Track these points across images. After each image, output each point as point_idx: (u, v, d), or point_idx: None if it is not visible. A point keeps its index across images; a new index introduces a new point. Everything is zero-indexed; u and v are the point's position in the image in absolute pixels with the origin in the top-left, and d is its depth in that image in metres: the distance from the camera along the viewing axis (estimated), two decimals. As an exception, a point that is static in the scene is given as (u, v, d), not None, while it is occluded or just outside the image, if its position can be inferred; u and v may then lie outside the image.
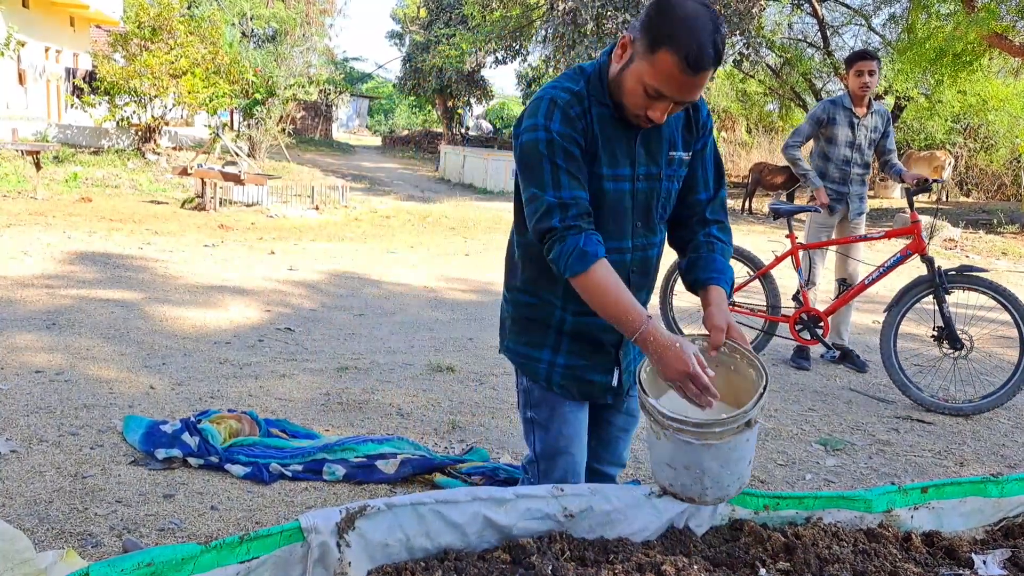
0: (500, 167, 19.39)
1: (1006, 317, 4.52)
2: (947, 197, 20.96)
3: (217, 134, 15.29)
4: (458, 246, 10.18)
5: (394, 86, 35.91)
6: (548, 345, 2.08)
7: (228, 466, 3.13)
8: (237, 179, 11.46)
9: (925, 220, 4.59)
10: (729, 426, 1.76)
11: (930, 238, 5.19)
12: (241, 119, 21.41)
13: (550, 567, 1.77)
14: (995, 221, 15.04)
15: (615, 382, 2.12)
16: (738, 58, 20.03)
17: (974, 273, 4.50)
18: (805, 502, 2.00)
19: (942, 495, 2.00)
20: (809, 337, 5.08)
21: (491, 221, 12.50)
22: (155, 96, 16.05)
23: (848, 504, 1.96)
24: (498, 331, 2.26)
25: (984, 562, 1.79)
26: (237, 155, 14.04)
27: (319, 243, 9.68)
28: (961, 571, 1.74)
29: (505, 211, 13.68)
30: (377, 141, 40.03)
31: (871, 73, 5.06)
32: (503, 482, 3.06)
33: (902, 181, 4.98)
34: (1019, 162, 21.35)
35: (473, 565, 1.81)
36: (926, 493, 1.99)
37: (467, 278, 8.07)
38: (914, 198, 4.87)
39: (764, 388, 1.80)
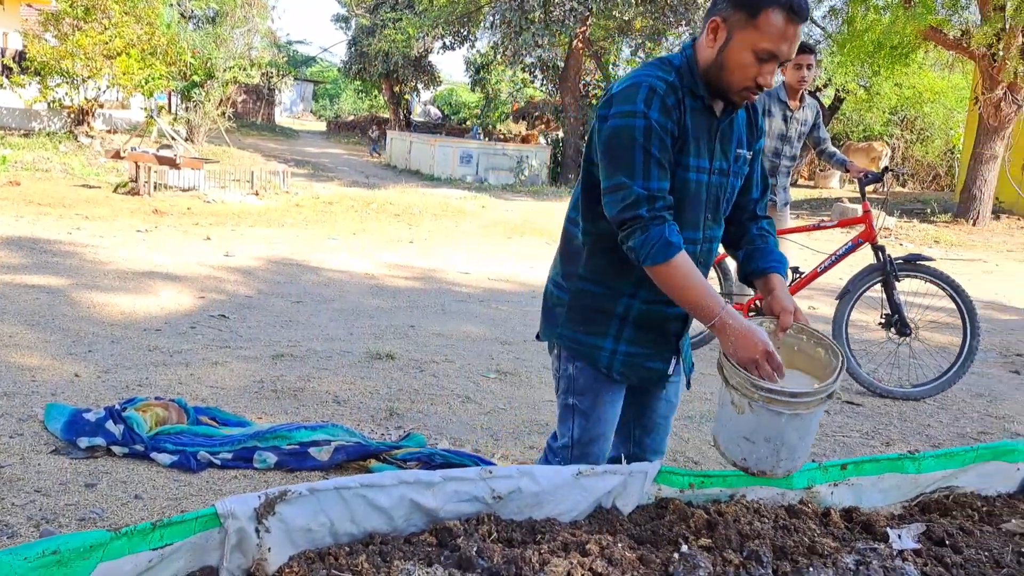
0: (447, 153, 19.27)
1: (948, 304, 4.65)
2: (885, 187, 21.51)
3: (152, 117, 14.87)
4: (402, 233, 10.10)
5: (339, 70, 35.38)
6: (611, 334, 2.08)
7: (154, 455, 3.05)
8: (172, 163, 11.16)
9: (874, 210, 4.73)
10: (817, 396, 1.84)
11: (880, 228, 5.30)
12: (179, 102, 20.85)
13: (475, 548, 1.75)
14: (929, 210, 15.50)
15: (671, 370, 2.15)
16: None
17: (923, 262, 4.63)
18: (729, 480, 2.03)
19: (861, 472, 2.04)
20: None
21: (437, 208, 12.42)
22: (88, 77, 15.52)
23: (770, 481, 1.99)
24: (542, 317, 2.23)
25: (899, 536, 1.84)
26: (173, 139, 13.67)
27: (258, 229, 9.50)
28: (877, 545, 1.78)
29: (453, 198, 13.62)
30: (322, 126, 39.42)
31: (809, 67, 5.13)
32: (440, 467, 3.04)
33: (847, 171, 5.06)
34: (953, 153, 22.04)
35: (399, 549, 1.79)
36: (845, 470, 2.03)
37: (410, 265, 8.01)
38: (865, 188, 4.95)
39: (841, 364, 1.90)
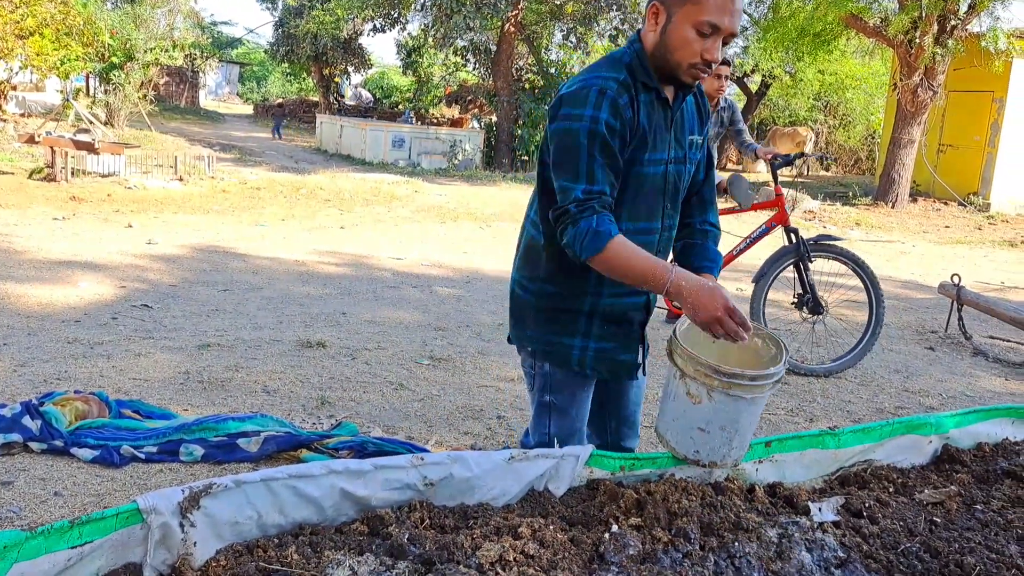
0: (379, 137, 19.01)
1: (858, 283, 4.83)
2: (808, 171, 22.13)
3: (69, 100, 14.26)
4: (333, 219, 9.94)
5: (266, 52, 34.46)
6: (579, 331, 2.09)
7: (74, 450, 2.95)
8: (91, 148, 10.73)
9: (790, 193, 4.89)
10: (775, 376, 1.87)
11: (792, 210, 5.45)
12: (97, 84, 20.05)
13: (407, 536, 1.75)
14: (851, 193, 16.01)
15: (640, 359, 2.18)
16: (614, 33, 20.37)
17: (832, 242, 4.78)
18: (659, 461, 2.06)
19: (784, 448, 2.10)
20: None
21: (369, 193, 12.26)
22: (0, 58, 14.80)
23: (698, 460, 2.02)
24: (511, 320, 2.22)
25: (819, 509, 1.90)
26: (92, 123, 13.15)
27: (182, 216, 9.23)
28: (799, 519, 1.83)
29: (384, 183, 13.45)
30: (249, 110, 38.44)
31: (726, 77, 5.27)
32: (372, 455, 3.02)
33: (758, 158, 5.19)
34: (874, 138, 22.79)
35: (330, 539, 1.77)
36: (769, 447, 2.09)
37: (342, 251, 7.89)
38: (778, 172, 5.07)
39: (785, 348, 1.95)
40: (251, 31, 47.29)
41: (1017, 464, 2.12)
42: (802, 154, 5.36)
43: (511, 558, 1.65)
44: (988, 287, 8.10)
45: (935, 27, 13.53)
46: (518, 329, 2.19)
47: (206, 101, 38.34)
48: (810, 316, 4.86)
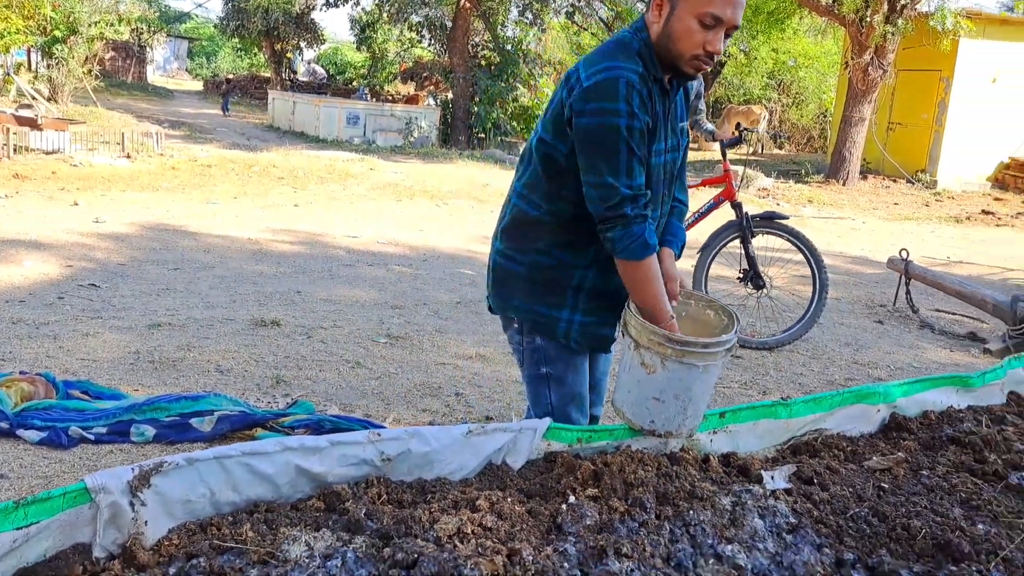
0: (333, 114, 18.73)
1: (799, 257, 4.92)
2: (763, 149, 22.40)
3: (9, 74, 13.76)
4: (287, 197, 9.78)
5: (216, 27, 33.66)
6: (567, 305, 2.11)
7: (21, 432, 2.87)
8: (33, 123, 10.39)
9: (739, 170, 4.96)
10: (727, 344, 1.91)
11: (740, 186, 5.51)
12: (40, 59, 19.37)
13: (364, 511, 1.74)
14: (803, 171, 16.25)
15: (618, 333, 2.20)
16: (571, 10, 20.32)
17: (776, 219, 4.86)
18: (615, 433, 2.08)
19: (737, 419, 2.13)
20: None
21: (324, 170, 12.08)
22: (-68, 29, 14.21)
23: (653, 432, 2.04)
24: (492, 289, 2.21)
25: (772, 477, 1.93)
26: (34, 98, 12.73)
27: (130, 193, 9.00)
28: (752, 487, 1.86)
29: (339, 160, 13.27)
30: (199, 86, 37.56)
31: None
32: (329, 433, 2.99)
33: (715, 140, 5.23)
34: (826, 117, 23.14)
35: (285, 516, 1.75)
36: (723, 418, 2.12)
37: (295, 229, 7.77)
38: (727, 150, 5.12)
39: (737, 318, 2.01)
40: (200, 5, 46.11)
41: (961, 431, 2.18)
42: (748, 129, 5.39)
43: (469, 531, 1.65)
44: (935, 262, 8.31)
45: (885, 6, 13.74)
46: (502, 299, 2.20)
47: (154, 77, 37.35)
48: (754, 291, 4.94)
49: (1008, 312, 5.16)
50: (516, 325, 2.17)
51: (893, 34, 13.77)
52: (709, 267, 4.95)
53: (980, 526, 1.72)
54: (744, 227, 4.83)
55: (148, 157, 11.70)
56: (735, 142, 5.08)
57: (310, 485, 1.86)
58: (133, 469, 1.65)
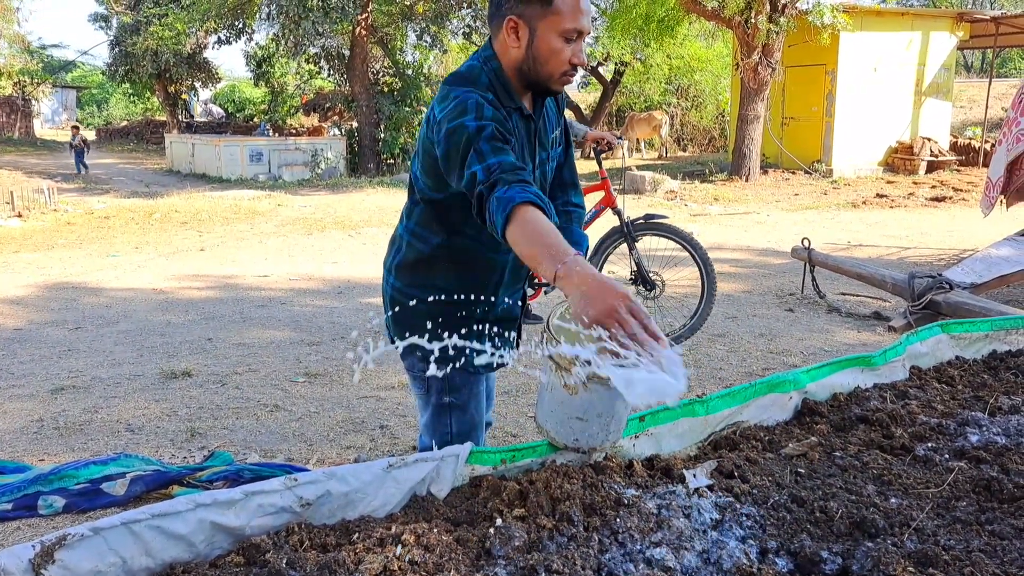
0: (234, 153, 18.34)
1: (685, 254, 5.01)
2: (667, 153, 22.96)
3: None
4: (191, 241, 9.50)
5: (104, 74, 32.60)
6: (473, 335, 2.06)
7: (-88, 520, 2.68)
8: (-88, 189, 9.82)
9: (630, 169, 5.10)
10: None
11: (622, 191, 5.58)
12: (-86, 120, 18.39)
13: (286, 560, 1.68)
14: (707, 171, 16.73)
15: (516, 344, 2.18)
16: (467, 31, 20.47)
17: (656, 220, 4.95)
18: (539, 450, 2.07)
19: (657, 421, 2.15)
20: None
21: (229, 211, 11.80)
22: None
23: (576, 444, 2.04)
24: (393, 324, 2.15)
25: (694, 476, 1.95)
26: (-90, 162, 12.04)
27: (24, 254, 8.59)
28: (675, 487, 1.88)
29: (244, 199, 12.98)
30: (91, 135, 36.29)
31: None
32: (249, 483, 2.89)
33: (585, 140, 5.20)
34: (724, 117, 23.90)
35: (204, 575, 1.68)
36: (643, 421, 2.13)
37: (203, 274, 7.55)
38: (601, 157, 5.10)
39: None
40: (85, 52, 44.59)
41: (868, 409, 2.26)
42: (620, 138, 5.24)
43: (396, 567, 1.62)
44: (837, 247, 8.65)
45: (767, 6, 14.31)
46: (403, 334, 2.14)
47: (42, 130, 35.92)
48: (646, 293, 5.01)
49: (906, 289, 5.39)
50: (419, 354, 2.14)
51: (777, 33, 14.34)
52: None
53: (892, 500, 1.77)
54: (626, 232, 4.90)
55: (41, 214, 11.21)
56: (604, 149, 5.07)
57: (228, 540, 1.79)
58: (34, 546, 1.55)
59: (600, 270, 4.93)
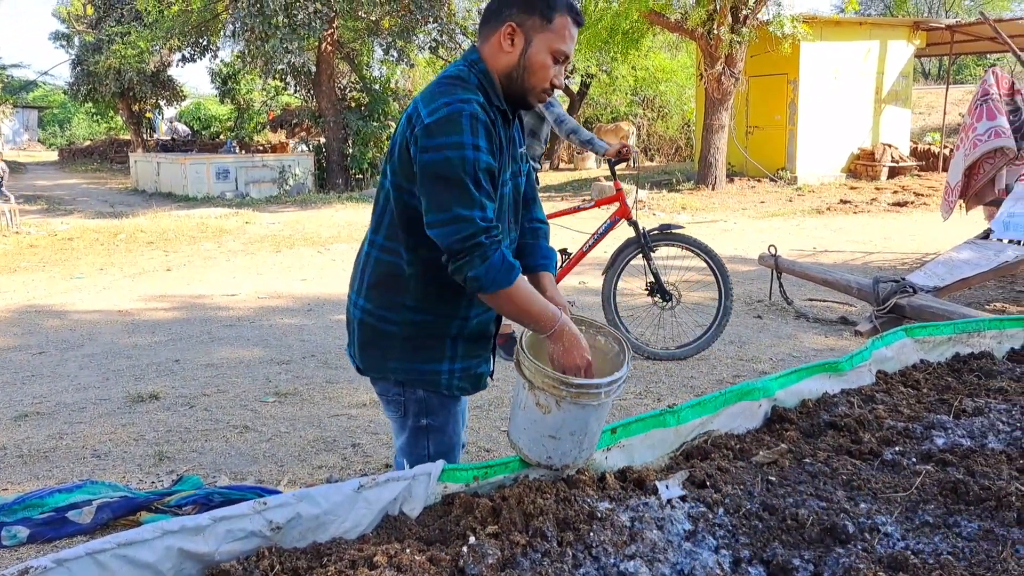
0: (201, 170, 18.17)
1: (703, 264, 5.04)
2: (635, 163, 23.13)
3: None
4: (158, 261, 9.38)
5: (66, 93, 32.15)
6: (447, 356, 2.07)
7: None
8: None
9: (627, 187, 5.05)
10: (620, 382, 1.90)
11: (635, 203, 5.60)
12: None
13: (256, 586, 1.65)
14: (674, 180, 16.87)
15: (492, 367, 2.20)
16: (434, 45, 20.48)
17: (673, 231, 4.96)
18: (511, 466, 2.06)
19: (629, 433, 2.15)
20: None
21: (196, 229, 11.67)
22: None
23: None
24: (361, 350, 2.11)
25: (666, 487, 1.95)
26: None
27: (-15, 278, 8.42)
28: (648, 499, 1.88)
29: (211, 217, 12.84)
30: (54, 156, 35.74)
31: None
32: (219, 507, 2.84)
33: (604, 156, 5.17)
34: (689, 126, 24.15)
35: (172, 604, 1.65)
36: (615, 433, 2.13)
37: (170, 295, 7.45)
38: (615, 168, 5.16)
39: (629, 348, 2.01)
40: (46, 72, 43.94)
41: (836, 415, 2.28)
42: (627, 146, 5.30)
43: (368, 590, 1.60)
44: (803, 253, 8.76)
45: (729, 18, 14.51)
46: (374, 359, 2.11)
47: (4, 151, 35.30)
48: (664, 303, 5.01)
49: (871, 294, 5.47)
50: (392, 379, 2.12)
51: (739, 43, 14.55)
52: (616, 286, 5.02)
53: (862, 505, 1.79)
54: (643, 243, 4.91)
55: (3, 236, 11.01)
56: (621, 159, 5.10)
57: (197, 567, 1.75)
58: (-7, 582, 1.52)
59: (616, 281, 4.99)
